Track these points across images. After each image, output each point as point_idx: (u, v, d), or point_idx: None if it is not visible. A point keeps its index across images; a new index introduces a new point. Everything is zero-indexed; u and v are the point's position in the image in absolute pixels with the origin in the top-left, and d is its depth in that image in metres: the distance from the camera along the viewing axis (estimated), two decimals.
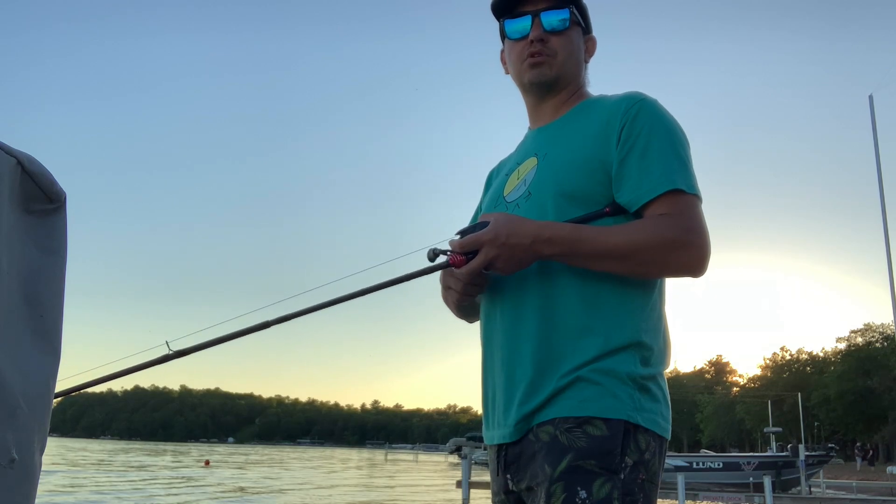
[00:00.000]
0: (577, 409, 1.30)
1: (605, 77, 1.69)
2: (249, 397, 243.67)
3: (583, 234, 1.33)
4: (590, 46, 1.63)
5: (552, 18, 1.53)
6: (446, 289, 1.51)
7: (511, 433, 1.38)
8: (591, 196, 1.40)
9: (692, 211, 1.36)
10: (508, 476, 1.40)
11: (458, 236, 1.39)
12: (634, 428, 1.29)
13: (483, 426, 1.50)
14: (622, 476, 1.26)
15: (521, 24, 1.55)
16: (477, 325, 1.57)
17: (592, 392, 1.30)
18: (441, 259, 1.39)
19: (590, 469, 1.26)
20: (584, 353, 1.33)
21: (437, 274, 1.49)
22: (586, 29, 1.61)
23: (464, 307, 1.59)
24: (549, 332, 1.36)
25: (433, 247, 1.40)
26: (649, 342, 1.37)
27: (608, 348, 1.33)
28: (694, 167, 1.42)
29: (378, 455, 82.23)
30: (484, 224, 1.36)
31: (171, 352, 1.37)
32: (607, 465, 1.26)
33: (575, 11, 1.55)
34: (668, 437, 1.37)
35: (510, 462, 1.39)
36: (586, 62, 1.62)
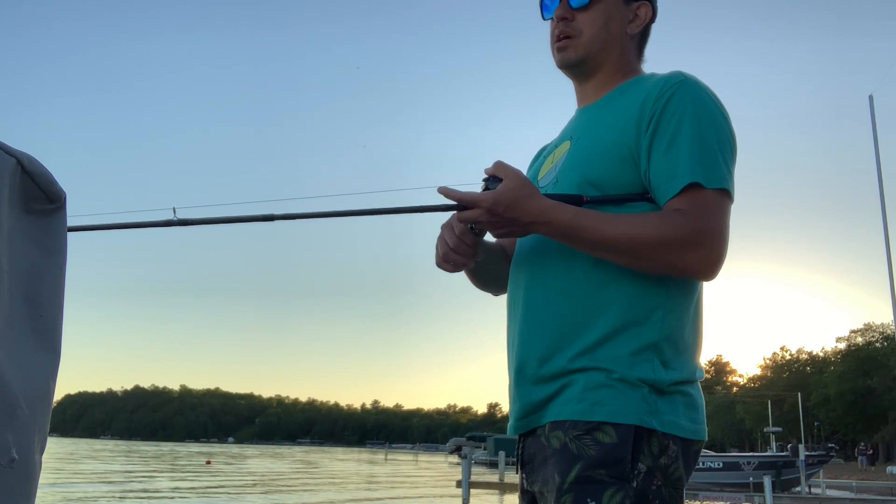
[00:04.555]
0: (587, 413, 1.24)
1: None
2: (249, 397, 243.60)
3: (585, 222, 1.26)
4: (640, 13, 1.49)
5: None
6: (435, 250, 1.45)
7: (517, 426, 1.38)
8: (618, 185, 1.33)
9: (710, 208, 1.26)
10: (524, 475, 1.38)
11: (482, 182, 1.33)
12: (648, 433, 1.23)
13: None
14: (635, 484, 1.21)
15: (551, 2, 1.49)
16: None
17: (603, 395, 1.24)
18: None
19: (599, 479, 1.21)
20: (597, 351, 1.28)
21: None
22: None
23: (480, 277, 1.56)
24: (560, 326, 1.31)
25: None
26: (669, 341, 1.29)
27: (628, 349, 1.27)
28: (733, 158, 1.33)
29: (378, 455, 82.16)
30: (497, 182, 1.30)
31: (175, 218, 1.34)
32: (618, 474, 1.21)
33: None
34: (697, 437, 1.29)
35: (526, 461, 1.38)
36: (632, 33, 1.50)
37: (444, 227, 1.43)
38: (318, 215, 1.37)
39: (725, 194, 1.29)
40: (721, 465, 25.05)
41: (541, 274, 1.38)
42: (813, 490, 23.95)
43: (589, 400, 1.25)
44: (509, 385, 1.43)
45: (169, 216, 1.34)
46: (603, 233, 1.26)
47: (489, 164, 1.34)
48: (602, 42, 1.46)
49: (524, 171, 1.55)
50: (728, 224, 1.28)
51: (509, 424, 1.44)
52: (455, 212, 1.35)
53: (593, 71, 1.49)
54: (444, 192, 1.31)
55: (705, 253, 1.25)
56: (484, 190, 1.32)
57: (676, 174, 1.28)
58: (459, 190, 1.32)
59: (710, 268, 1.27)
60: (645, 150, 1.32)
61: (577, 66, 1.48)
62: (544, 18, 1.53)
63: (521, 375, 1.36)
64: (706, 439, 1.33)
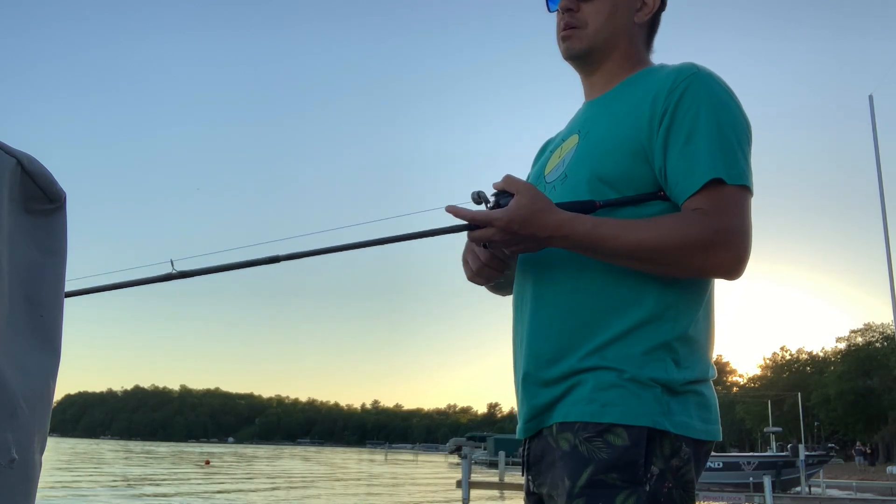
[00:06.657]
0: (597, 415, 1.21)
1: None
2: (249, 397, 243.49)
3: (604, 232, 1.22)
4: (648, 1, 1.45)
5: None
6: (464, 263, 1.43)
7: (526, 428, 1.35)
8: (630, 181, 1.29)
9: (732, 206, 1.22)
10: (530, 477, 1.36)
11: (492, 198, 1.29)
12: (661, 434, 1.19)
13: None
14: (647, 487, 1.18)
15: None
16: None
17: (614, 395, 1.21)
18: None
19: (611, 483, 1.17)
20: (607, 350, 1.24)
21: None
22: None
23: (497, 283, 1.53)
24: (570, 326, 1.28)
25: (479, 190, 1.30)
26: (682, 340, 1.26)
27: (640, 348, 1.23)
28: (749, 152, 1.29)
29: (378, 455, 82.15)
30: (509, 197, 1.26)
31: (174, 271, 1.31)
32: (630, 478, 1.17)
33: None
34: (710, 437, 1.26)
35: (532, 463, 1.35)
36: (640, 22, 1.46)
37: (464, 254, 1.42)
38: (325, 251, 1.33)
39: (746, 190, 1.25)
40: (721, 465, 25.02)
41: (549, 274, 1.34)
42: (813, 490, 23.92)
43: (599, 401, 1.22)
44: (516, 386, 1.40)
45: (168, 269, 1.31)
46: (624, 242, 1.22)
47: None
48: (608, 33, 1.43)
49: (528, 167, 1.52)
50: (751, 220, 1.25)
51: (518, 427, 1.41)
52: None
53: (600, 62, 1.45)
54: (453, 211, 1.27)
55: (733, 253, 1.21)
56: (494, 206, 1.28)
57: (696, 170, 1.23)
58: (468, 209, 1.28)
59: (737, 268, 1.23)
60: (660, 146, 1.27)
61: (582, 57, 1.45)
62: (550, 10, 1.50)
63: (530, 376, 1.33)
64: (720, 439, 1.29)
